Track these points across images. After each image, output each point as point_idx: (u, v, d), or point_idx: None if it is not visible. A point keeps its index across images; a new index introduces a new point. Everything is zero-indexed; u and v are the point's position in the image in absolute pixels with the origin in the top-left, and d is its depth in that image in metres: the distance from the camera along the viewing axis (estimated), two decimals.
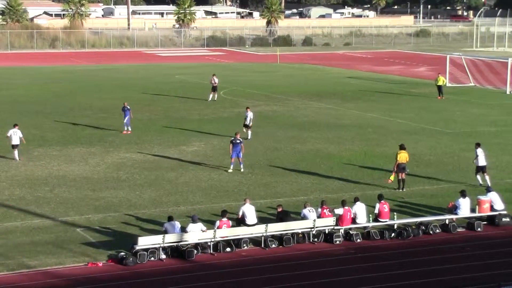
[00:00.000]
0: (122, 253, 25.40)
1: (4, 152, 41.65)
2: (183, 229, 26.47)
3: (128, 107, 48.54)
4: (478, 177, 34.92)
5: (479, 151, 34.91)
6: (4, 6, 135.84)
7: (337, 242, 27.41)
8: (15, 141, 40.43)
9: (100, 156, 41.42)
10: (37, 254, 25.73)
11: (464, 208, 29.52)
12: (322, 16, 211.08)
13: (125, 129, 48.21)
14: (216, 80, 63.50)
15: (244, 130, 45.70)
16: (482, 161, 34.76)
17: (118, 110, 50.96)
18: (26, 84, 75.32)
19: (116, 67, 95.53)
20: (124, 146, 44.17)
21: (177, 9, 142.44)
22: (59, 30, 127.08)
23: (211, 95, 63.19)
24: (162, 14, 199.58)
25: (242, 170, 37.75)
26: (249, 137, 45.63)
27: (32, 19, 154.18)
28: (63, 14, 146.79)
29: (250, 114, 46.51)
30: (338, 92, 69.84)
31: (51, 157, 41.09)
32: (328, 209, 28.46)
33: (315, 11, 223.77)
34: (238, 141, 37.77)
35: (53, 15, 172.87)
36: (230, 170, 37.72)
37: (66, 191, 34.10)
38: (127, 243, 26.23)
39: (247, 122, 46.42)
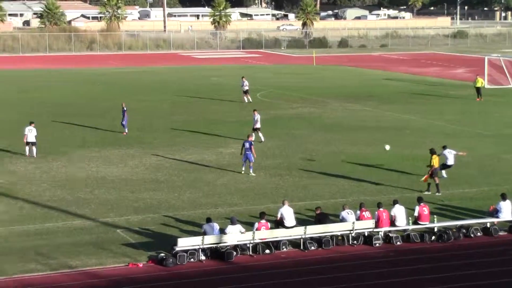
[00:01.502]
0: (162, 254, 25.56)
1: (45, 153, 42.10)
2: (222, 231, 26.55)
3: (125, 108, 48.65)
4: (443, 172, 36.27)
5: (447, 152, 36.48)
6: (42, 9, 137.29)
7: (377, 244, 27.33)
8: (31, 138, 41.21)
9: (139, 158, 41.68)
10: (79, 254, 25.99)
11: (506, 211, 29.25)
12: (358, 18, 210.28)
13: (125, 131, 48.46)
14: (246, 83, 63.53)
15: (255, 133, 45.30)
16: (451, 161, 36.41)
17: (156, 112, 51.42)
18: (64, 86, 75.98)
19: (152, 69, 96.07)
20: (162, 148, 44.39)
21: (212, 11, 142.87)
22: (96, 32, 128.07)
23: (245, 98, 63.26)
24: (197, 16, 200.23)
25: (251, 173, 37.90)
26: (262, 140, 45.50)
27: (70, 22, 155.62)
28: (100, 17, 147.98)
29: (257, 117, 46.29)
30: (374, 94, 69.56)
31: (90, 159, 41.43)
32: (367, 212, 28.38)
33: (351, 12, 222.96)
34: (248, 144, 37.90)
35: (90, 18, 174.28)
36: (242, 172, 37.97)
37: (106, 192, 34.39)
38: (166, 244, 26.39)
39: (257, 125, 46.13)
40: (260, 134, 45.92)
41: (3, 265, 24.88)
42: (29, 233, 28.48)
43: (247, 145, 37.90)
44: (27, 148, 41.47)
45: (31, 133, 41.42)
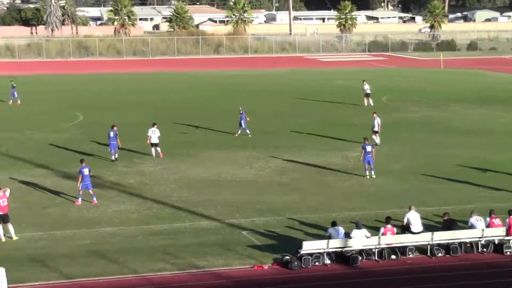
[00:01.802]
0: (287, 257, 25.61)
1: (172, 154, 42.98)
2: (347, 235, 26.37)
3: (242, 111, 49.00)
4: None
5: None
6: (171, 14, 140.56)
7: (508, 253, 26.51)
8: (154, 139, 42.23)
9: (264, 160, 41.95)
10: (205, 255, 26.37)
11: None
12: (488, 20, 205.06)
13: (241, 132, 48.86)
14: (367, 86, 62.94)
15: (373, 136, 44.83)
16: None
17: (279, 115, 51.52)
18: (189, 89, 77.34)
19: (277, 72, 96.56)
20: (286, 150, 44.51)
21: (338, 14, 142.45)
22: (223, 36, 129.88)
23: (365, 101, 62.69)
24: (323, 19, 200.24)
25: (373, 176, 37.53)
26: (378, 143, 44.83)
27: (197, 25, 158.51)
28: (227, 21, 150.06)
29: (377, 120, 45.62)
30: (505, 99, 67.60)
31: (216, 160, 41.99)
32: (497, 219, 27.55)
33: (480, 14, 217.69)
34: (369, 147, 37.55)
35: (217, 22, 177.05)
36: (367, 176, 37.60)
37: (231, 194, 34.78)
38: (291, 247, 26.42)
39: (376, 128, 45.52)
40: (377, 137, 45.42)
41: (133, 264, 25.52)
42: (158, 233, 29.12)
43: (367, 148, 37.61)
44: (152, 149, 42.49)
45: (154, 134, 42.45)
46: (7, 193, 28.69)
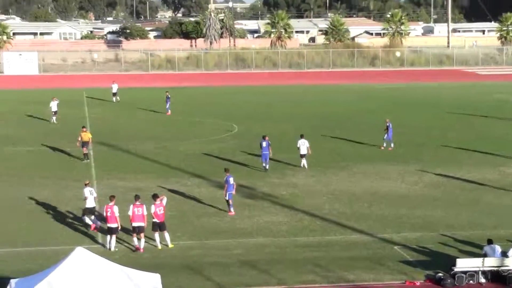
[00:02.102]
0: (440, 274, 25.06)
1: (324, 167, 43.02)
2: (504, 254, 25.48)
3: (388, 124, 48.08)
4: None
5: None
6: (327, 26, 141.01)
7: None
8: (303, 150, 42.72)
9: (417, 174, 41.23)
10: (355, 268, 26.18)
11: None
12: None
13: (386, 145, 48.08)
14: None
15: None
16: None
17: (435, 129, 50.45)
18: (341, 101, 77.12)
19: (433, 85, 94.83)
20: (440, 165, 43.58)
21: (499, 26, 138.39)
22: (379, 48, 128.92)
23: None
24: (483, 31, 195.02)
25: None
26: None
27: (353, 38, 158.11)
28: (383, 33, 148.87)
29: None
30: None
31: (368, 174, 41.67)
32: None
33: None
34: None
35: (373, 34, 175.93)
36: None
37: (383, 208, 34.41)
38: (444, 264, 25.85)
39: None
40: None
41: (282, 274, 25.68)
42: (308, 245, 29.17)
43: None
44: (303, 160, 42.74)
45: (303, 146, 42.72)
46: (164, 201, 29.55)
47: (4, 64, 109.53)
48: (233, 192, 33.90)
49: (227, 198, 33.68)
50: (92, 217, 31.19)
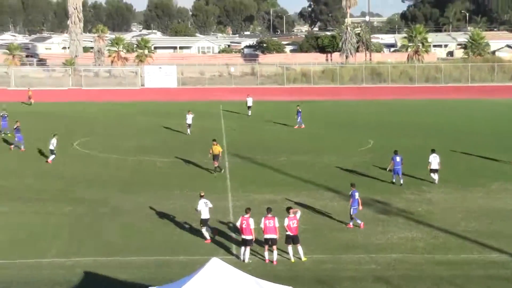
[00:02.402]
0: None
1: (462, 184, 42.07)
2: None
3: None
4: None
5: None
6: (467, 40, 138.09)
7: None
8: (434, 165, 42.06)
9: None
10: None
11: None
12: None
13: None
14: None
15: None
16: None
17: None
18: (484, 117, 75.27)
19: None
20: None
21: None
22: None
23: None
24: None
25: None
26: None
27: (493, 52, 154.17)
28: None
29: None
30: None
31: (508, 191, 40.42)
32: None
33: None
34: None
35: None
36: None
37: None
38: None
39: None
40: None
41: None
42: (443, 262, 28.57)
43: None
44: (433, 175, 42.07)
45: (435, 160, 42.08)
46: (298, 215, 29.64)
47: (145, 77, 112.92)
48: (359, 207, 33.68)
49: (351, 213, 33.54)
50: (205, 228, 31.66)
